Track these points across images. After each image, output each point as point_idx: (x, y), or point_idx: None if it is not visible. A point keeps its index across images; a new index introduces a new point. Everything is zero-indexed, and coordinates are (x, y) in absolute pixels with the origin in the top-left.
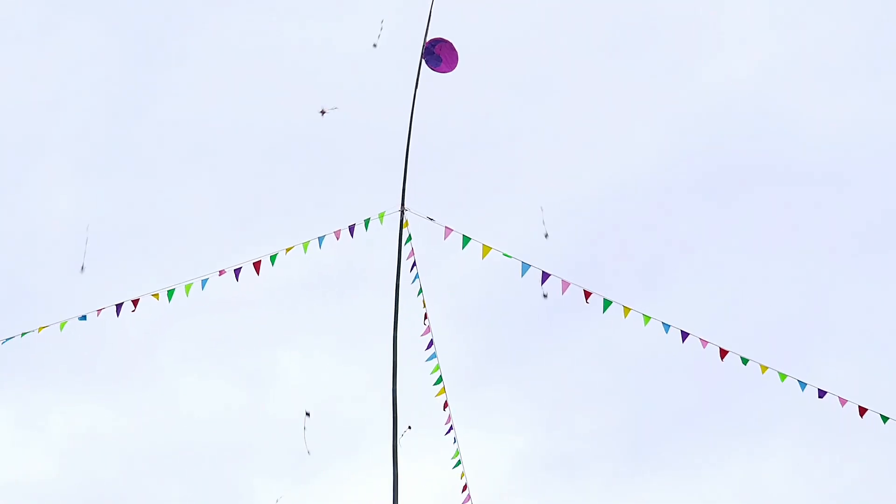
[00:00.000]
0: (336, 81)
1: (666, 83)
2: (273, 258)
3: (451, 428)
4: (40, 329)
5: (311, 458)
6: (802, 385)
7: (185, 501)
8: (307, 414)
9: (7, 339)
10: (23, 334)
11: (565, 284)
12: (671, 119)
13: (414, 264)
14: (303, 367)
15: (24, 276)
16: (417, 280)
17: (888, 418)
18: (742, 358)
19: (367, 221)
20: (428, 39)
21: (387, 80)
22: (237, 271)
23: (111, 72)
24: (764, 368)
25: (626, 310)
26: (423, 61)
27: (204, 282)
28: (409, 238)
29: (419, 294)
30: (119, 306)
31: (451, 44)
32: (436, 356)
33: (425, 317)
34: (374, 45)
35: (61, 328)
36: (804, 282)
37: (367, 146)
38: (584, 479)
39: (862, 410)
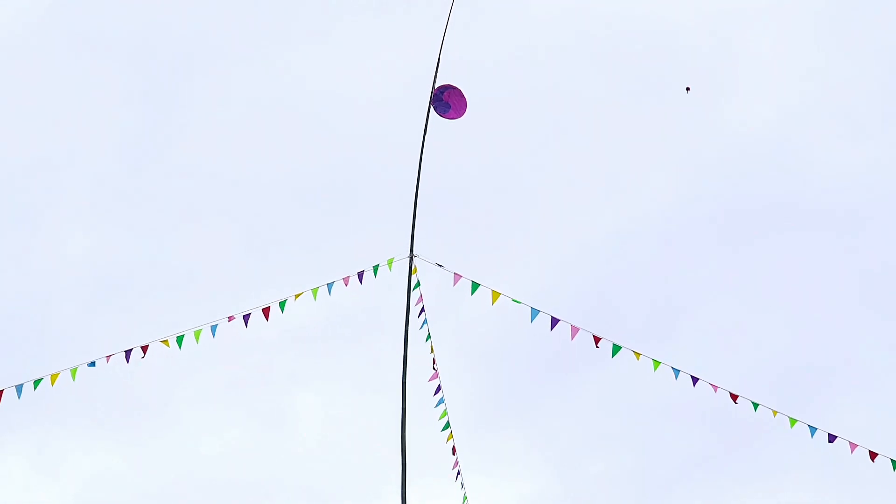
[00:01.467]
0: (346, 128)
1: (682, 127)
2: (282, 304)
3: (458, 473)
4: (53, 379)
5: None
6: (812, 430)
7: None
8: None
9: (19, 385)
10: (35, 383)
11: (574, 330)
12: (686, 163)
13: (423, 310)
14: (316, 411)
15: (37, 319)
16: (426, 326)
17: None
18: (753, 403)
19: (376, 268)
20: (437, 86)
21: (396, 127)
22: (246, 317)
23: (126, 117)
24: (774, 413)
25: (637, 354)
26: (432, 108)
27: (214, 328)
28: (418, 284)
29: (427, 340)
30: (128, 353)
31: (459, 90)
32: (444, 401)
33: (434, 362)
34: None
35: (73, 375)
36: (816, 326)
37: (376, 192)
38: None
39: (873, 455)
